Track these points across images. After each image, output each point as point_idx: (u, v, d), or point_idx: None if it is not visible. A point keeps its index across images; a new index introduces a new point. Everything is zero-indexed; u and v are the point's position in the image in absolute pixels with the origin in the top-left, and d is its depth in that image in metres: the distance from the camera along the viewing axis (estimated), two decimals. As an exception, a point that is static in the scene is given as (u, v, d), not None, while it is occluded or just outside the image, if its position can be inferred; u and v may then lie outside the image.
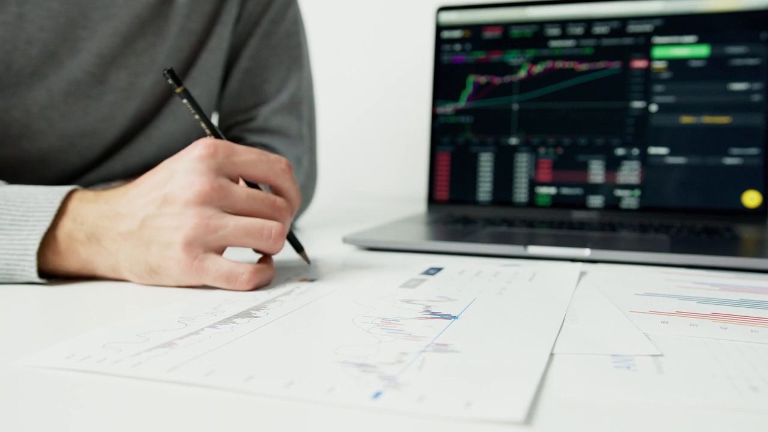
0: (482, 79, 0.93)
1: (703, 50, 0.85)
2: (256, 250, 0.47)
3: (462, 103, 0.94)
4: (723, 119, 0.83)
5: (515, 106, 0.92)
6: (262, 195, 0.46)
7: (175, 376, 0.27)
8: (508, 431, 0.23)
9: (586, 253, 0.58)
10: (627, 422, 0.24)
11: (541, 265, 0.55)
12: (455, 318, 0.37)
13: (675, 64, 0.86)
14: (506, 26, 0.93)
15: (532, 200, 0.90)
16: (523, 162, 0.91)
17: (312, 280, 0.48)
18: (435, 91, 0.96)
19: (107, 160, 0.70)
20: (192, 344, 0.32)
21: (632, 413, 0.25)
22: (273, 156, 0.47)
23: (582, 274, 0.51)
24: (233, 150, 0.45)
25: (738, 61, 0.83)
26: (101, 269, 0.46)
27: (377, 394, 0.25)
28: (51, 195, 0.46)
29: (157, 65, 0.68)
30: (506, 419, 0.23)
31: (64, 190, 0.46)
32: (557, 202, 0.89)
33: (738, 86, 0.83)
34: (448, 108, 0.95)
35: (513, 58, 0.92)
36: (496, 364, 0.29)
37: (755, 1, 0.84)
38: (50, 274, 0.46)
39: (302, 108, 0.81)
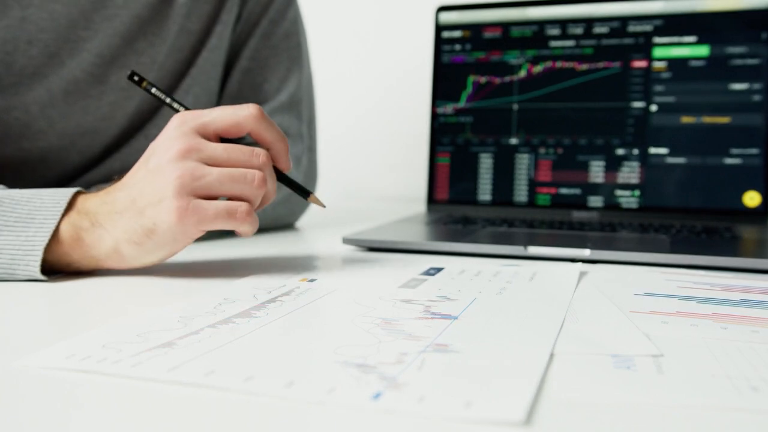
0: (482, 79, 0.93)
1: (703, 50, 0.85)
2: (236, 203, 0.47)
3: (462, 103, 0.94)
4: (723, 119, 0.83)
5: (515, 106, 0.91)
6: (239, 146, 0.48)
7: (175, 377, 0.27)
8: (509, 431, 0.23)
9: (586, 253, 0.58)
10: (627, 422, 0.24)
11: (541, 265, 0.55)
12: (455, 318, 0.37)
13: (675, 64, 0.86)
14: (506, 26, 0.93)
15: (532, 200, 0.90)
16: (523, 162, 0.91)
17: (312, 280, 0.48)
18: (435, 91, 0.96)
19: (107, 159, 0.70)
20: (192, 344, 0.32)
21: (632, 413, 0.25)
22: (239, 106, 0.49)
23: (582, 274, 0.51)
24: (201, 113, 0.48)
25: (738, 61, 0.83)
26: (102, 254, 0.47)
27: (377, 395, 0.25)
28: (57, 195, 0.48)
29: (158, 65, 0.69)
30: (506, 419, 0.23)
31: (70, 191, 0.48)
32: (557, 202, 0.89)
33: (738, 86, 0.83)
34: (448, 108, 0.95)
35: (513, 58, 0.92)
36: (496, 364, 0.29)
37: (755, 0, 0.84)
38: (51, 269, 0.47)
39: (302, 108, 0.81)
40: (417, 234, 0.69)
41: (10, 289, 0.45)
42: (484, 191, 0.92)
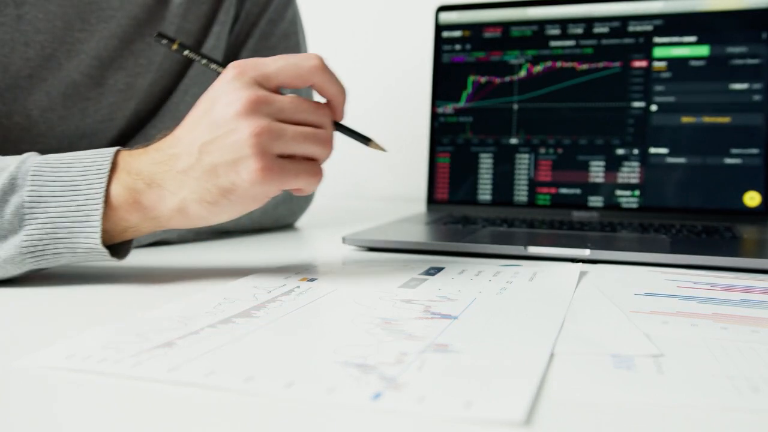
0: (482, 79, 0.93)
1: (703, 50, 0.85)
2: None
3: (462, 103, 0.94)
4: (723, 119, 0.83)
5: (515, 106, 0.91)
6: (305, 99, 0.46)
7: (175, 377, 0.27)
8: (509, 431, 0.23)
9: (586, 253, 0.58)
10: (627, 422, 0.24)
11: (541, 265, 0.55)
12: (455, 318, 0.37)
13: (675, 64, 0.86)
14: (506, 26, 0.93)
15: (532, 200, 0.90)
16: (523, 162, 0.91)
17: (312, 280, 0.48)
18: (435, 91, 0.96)
19: None
20: (192, 344, 0.32)
21: (632, 413, 0.25)
22: (301, 55, 0.47)
23: (582, 274, 0.51)
24: (261, 62, 0.45)
25: (738, 61, 0.83)
26: (165, 214, 0.45)
27: (377, 395, 0.25)
28: (98, 156, 0.45)
29: (155, 66, 0.69)
30: (506, 419, 0.23)
31: (110, 150, 0.46)
32: (557, 202, 0.89)
33: (738, 86, 0.83)
34: (448, 108, 0.95)
35: (513, 58, 0.92)
36: (496, 364, 0.29)
37: (755, 0, 0.84)
38: (109, 239, 0.45)
39: None
40: (417, 234, 0.69)
41: (10, 289, 0.45)
42: (484, 191, 0.92)
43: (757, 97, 0.82)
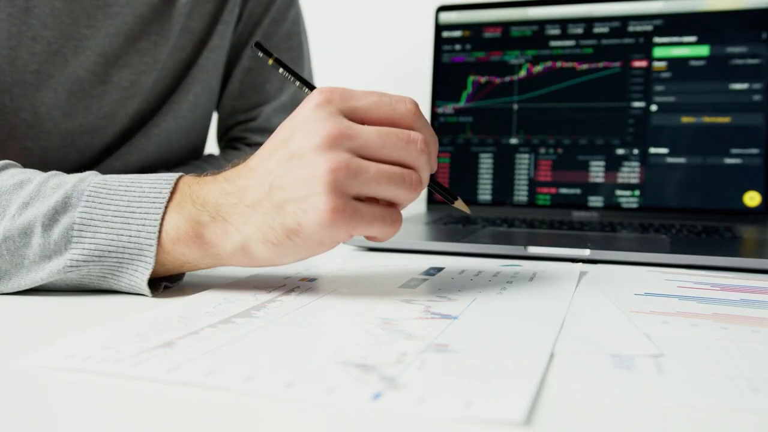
0: (482, 79, 0.93)
1: (703, 50, 0.85)
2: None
3: (462, 103, 0.94)
4: (723, 119, 0.83)
5: (515, 106, 0.91)
6: (394, 131, 0.40)
7: (175, 377, 0.27)
8: (509, 431, 0.23)
9: (586, 253, 0.58)
10: (627, 422, 0.24)
11: (541, 265, 0.55)
12: (455, 318, 0.37)
13: (675, 63, 0.85)
14: (506, 26, 0.93)
15: (532, 200, 0.90)
16: (523, 162, 0.91)
17: (312, 280, 0.48)
18: (435, 91, 0.96)
19: (107, 158, 0.70)
20: (192, 344, 0.32)
21: (632, 413, 0.25)
22: (395, 96, 0.42)
23: (582, 274, 0.51)
24: (351, 93, 0.41)
25: (738, 61, 0.83)
26: (227, 251, 0.41)
27: (377, 395, 0.25)
28: (158, 182, 0.42)
29: (160, 64, 0.69)
30: (506, 419, 0.23)
31: (173, 176, 0.42)
32: (557, 202, 0.89)
33: (738, 86, 0.83)
34: (448, 108, 0.95)
35: (513, 58, 0.92)
36: (496, 364, 0.29)
37: (755, 0, 0.84)
38: (160, 273, 0.42)
39: None
40: (417, 234, 0.69)
41: (10, 289, 0.44)
42: (484, 191, 0.92)
43: (757, 97, 0.82)
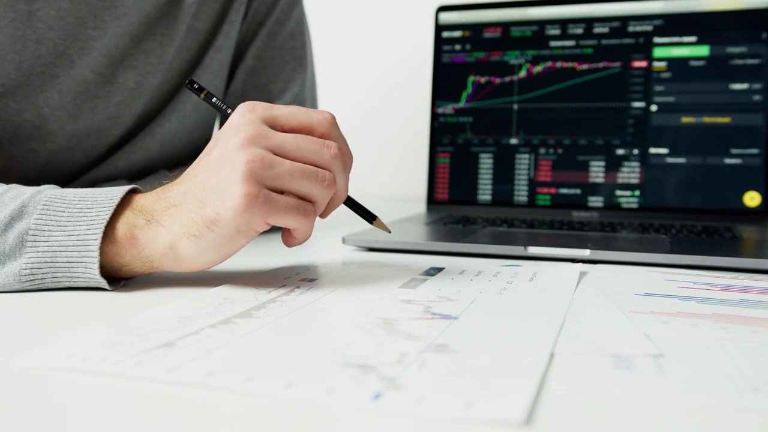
0: (482, 79, 0.93)
1: (703, 50, 0.85)
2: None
3: (462, 103, 0.94)
4: (723, 119, 0.83)
5: (515, 106, 0.91)
6: (309, 137, 0.44)
7: (175, 377, 0.27)
8: (509, 431, 0.23)
9: (586, 253, 0.58)
10: (627, 422, 0.24)
11: (542, 265, 0.55)
12: (455, 318, 0.37)
13: (675, 64, 0.86)
14: (506, 26, 0.93)
15: (532, 200, 0.90)
16: (523, 162, 0.91)
17: (312, 281, 0.48)
18: (435, 91, 0.96)
19: (110, 157, 0.70)
20: (192, 344, 0.32)
21: (632, 413, 0.25)
22: (315, 109, 0.45)
23: (582, 274, 0.51)
24: (271, 105, 0.45)
25: (738, 61, 0.83)
26: (157, 252, 0.43)
27: (377, 395, 0.25)
28: (110, 193, 0.45)
29: (165, 65, 0.69)
30: (506, 420, 0.23)
31: (123, 188, 0.45)
32: (557, 202, 0.89)
33: (738, 86, 0.83)
34: (448, 108, 0.95)
35: (513, 58, 0.92)
36: (496, 364, 0.29)
37: (755, 0, 0.84)
38: (107, 274, 0.44)
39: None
40: (417, 234, 0.69)
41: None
42: (484, 191, 0.92)
43: (757, 97, 0.82)
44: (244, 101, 0.79)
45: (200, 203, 0.42)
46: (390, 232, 0.52)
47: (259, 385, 0.26)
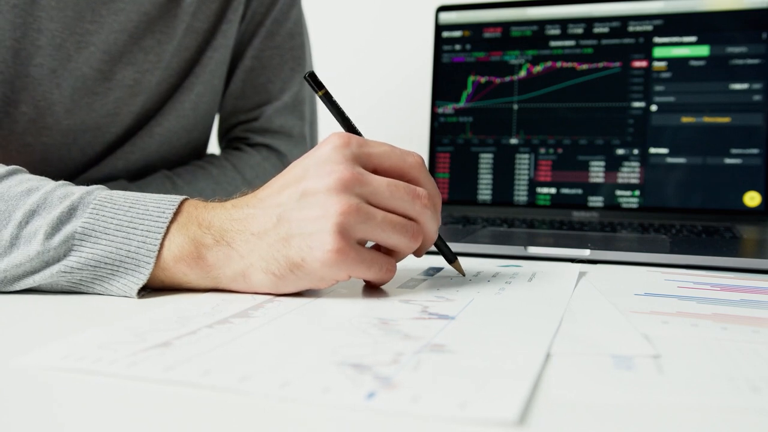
0: (482, 79, 0.93)
1: (703, 50, 0.85)
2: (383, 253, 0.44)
3: (462, 103, 0.94)
4: (723, 119, 0.83)
5: (515, 106, 0.91)
6: (403, 184, 0.42)
7: (171, 376, 0.27)
8: (503, 431, 0.23)
9: (586, 253, 0.57)
10: (627, 423, 0.24)
11: (541, 265, 0.55)
12: (452, 318, 0.37)
13: (675, 64, 0.85)
14: (506, 26, 0.93)
15: (532, 200, 0.90)
16: (523, 162, 0.90)
17: (310, 280, 0.47)
18: (435, 91, 0.96)
19: (109, 156, 0.70)
20: (188, 344, 0.31)
21: (632, 413, 0.24)
22: (405, 150, 0.44)
23: (582, 274, 0.51)
24: (366, 141, 0.43)
25: (738, 61, 0.83)
26: (227, 275, 0.42)
27: (371, 395, 0.25)
28: (162, 202, 0.43)
29: (164, 63, 0.69)
30: (500, 419, 0.23)
31: (177, 198, 0.44)
32: (557, 202, 0.89)
33: (738, 86, 0.83)
34: (448, 108, 0.94)
35: (513, 58, 0.92)
36: (491, 364, 0.29)
37: (755, 0, 0.83)
38: (150, 286, 0.43)
39: (304, 108, 0.82)
40: (416, 234, 0.69)
41: (6, 289, 0.44)
42: (484, 191, 0.92)
43: (757, 97, 0.82)
44: (243, 101, 0.79)
45: (284, 242, 0.40)
46: (464, 275, 0.50)
47: (254, 385, 0.26)
